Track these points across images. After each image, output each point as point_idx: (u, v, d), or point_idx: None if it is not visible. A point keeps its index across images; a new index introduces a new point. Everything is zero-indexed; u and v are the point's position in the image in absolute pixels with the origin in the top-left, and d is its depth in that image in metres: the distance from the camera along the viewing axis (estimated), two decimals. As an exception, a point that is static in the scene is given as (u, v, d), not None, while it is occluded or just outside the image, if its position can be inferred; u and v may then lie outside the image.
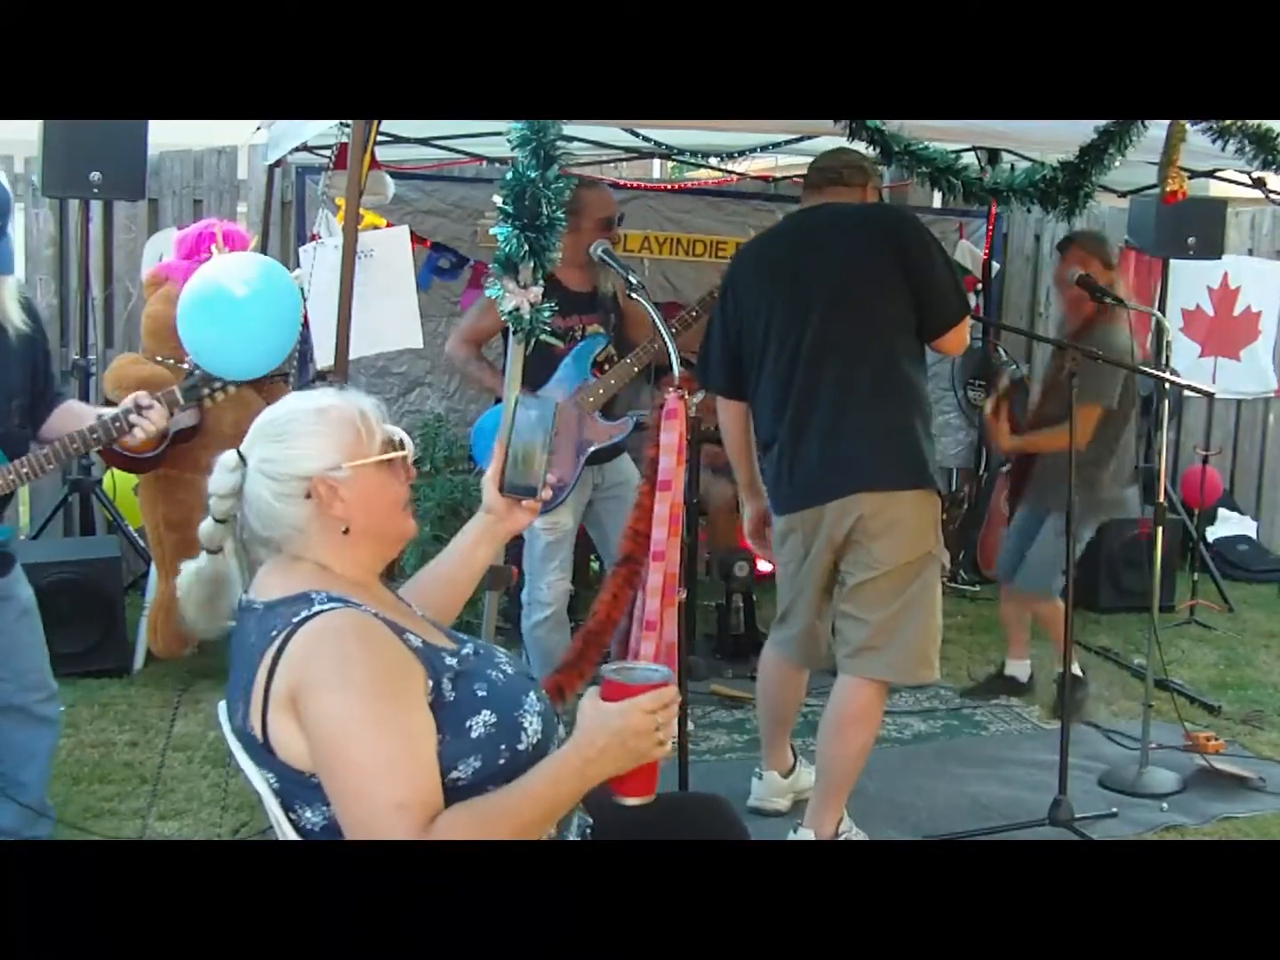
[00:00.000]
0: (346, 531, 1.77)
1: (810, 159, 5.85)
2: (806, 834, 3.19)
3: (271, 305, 2.98)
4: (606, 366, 4.08)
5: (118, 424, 2.68)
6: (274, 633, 1.66)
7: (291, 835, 1.71)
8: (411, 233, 5.51)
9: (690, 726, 3.83)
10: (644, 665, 1.83)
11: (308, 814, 1.68)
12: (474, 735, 1.69)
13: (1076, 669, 4.34)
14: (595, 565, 5.73)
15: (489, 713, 1.71)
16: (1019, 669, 4.57)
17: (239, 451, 1.79)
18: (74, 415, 2.81)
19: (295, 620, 1.66)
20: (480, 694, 1.72)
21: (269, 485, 1.76)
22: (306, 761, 1.64)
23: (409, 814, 1.58)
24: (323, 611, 1.66)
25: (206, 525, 1.82)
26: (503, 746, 1.70)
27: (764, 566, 4.85)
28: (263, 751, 1.68)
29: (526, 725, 1.74)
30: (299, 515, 1.76)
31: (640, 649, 2.53)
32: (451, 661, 1.75)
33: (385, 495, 1.83)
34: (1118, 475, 4.23)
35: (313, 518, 1.76)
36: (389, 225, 3.51)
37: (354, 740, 1.59)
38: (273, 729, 1.65)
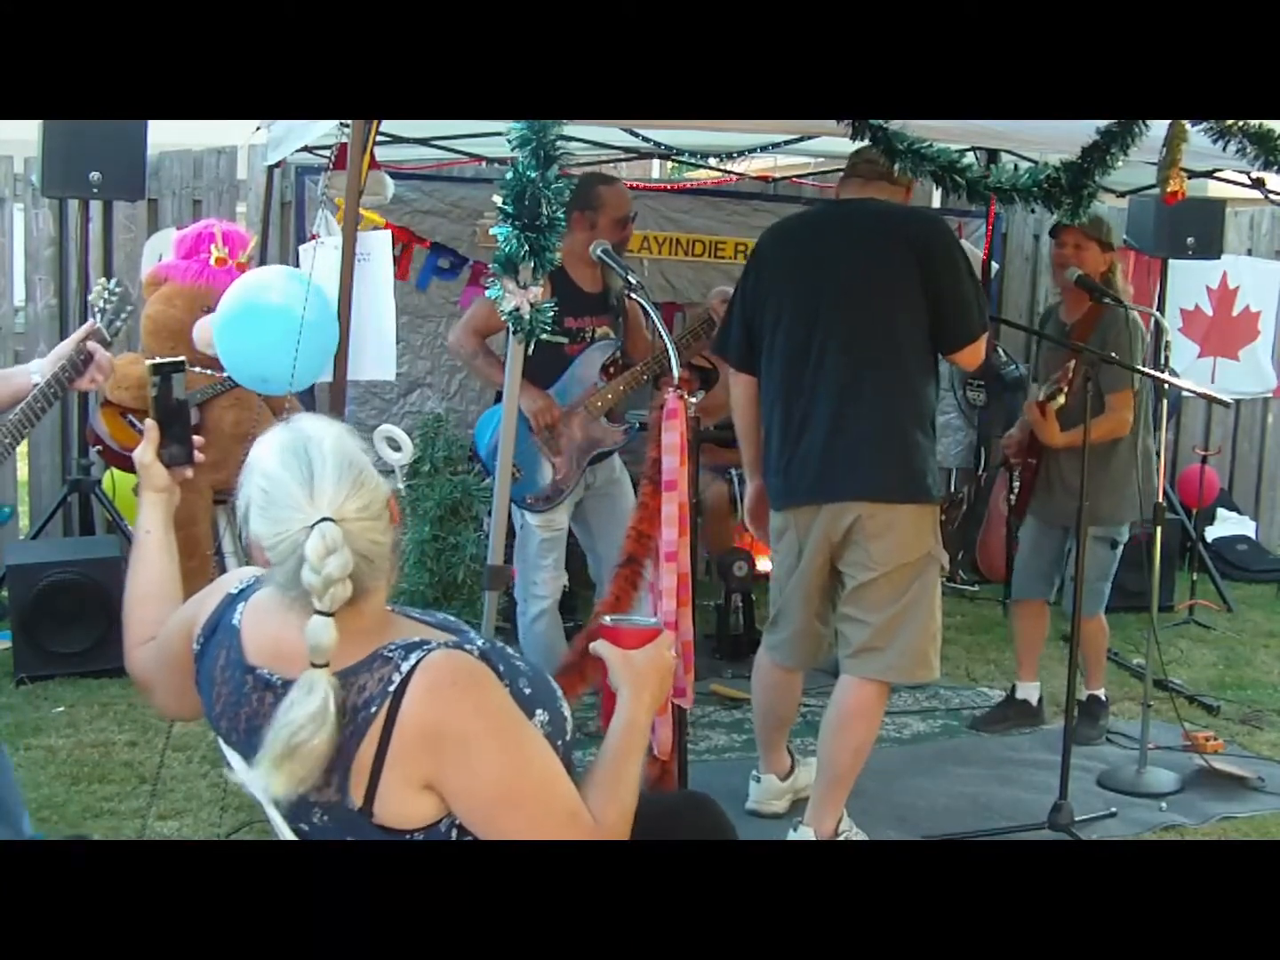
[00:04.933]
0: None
1: (809, 159, 5.86)
2: (806, 832, 3.19)
3: (328, 321, 2.98)
4: (613, 370, 4.08)
5: (74, 364, 2.61)
6: (373, 708, 1.57)
7: (288, 835, 1.71)
8: (411, 232, 5.57)
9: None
10: (635, 615, 2.13)
11: None
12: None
13: (1102, 692, 4.33)
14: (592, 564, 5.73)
15: (541, 710, 1.70)
16: (1030, 691, 4.38)
17: (333, 520, 1.57)
18: (2, 379, 2.71)
19: (392, 690, 1.57)
20: (527, 692, 1.70)
21: (376, 528, 1.63)
22: (420, 819, 1.60)
23: (579, 818, 1.63)
24: (414, 670, 1.58)
25: (321, 634, 1.55)
26: (559, 743, 1.70)
27: (763, 566, 4.86)
28: (355, 820, 1.60)
29: (567, 715, 1.76)
30: (390, 543, 1.67)
31: None
32: (501, 666, 1.70)
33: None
34: (1147, 462, 4.05)
35: (394, 540, 1.68)
36: (387, 225, 3.48)
37: (516, 779, 1.60)
38: (383, 798, 1.58)
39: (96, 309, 2.69)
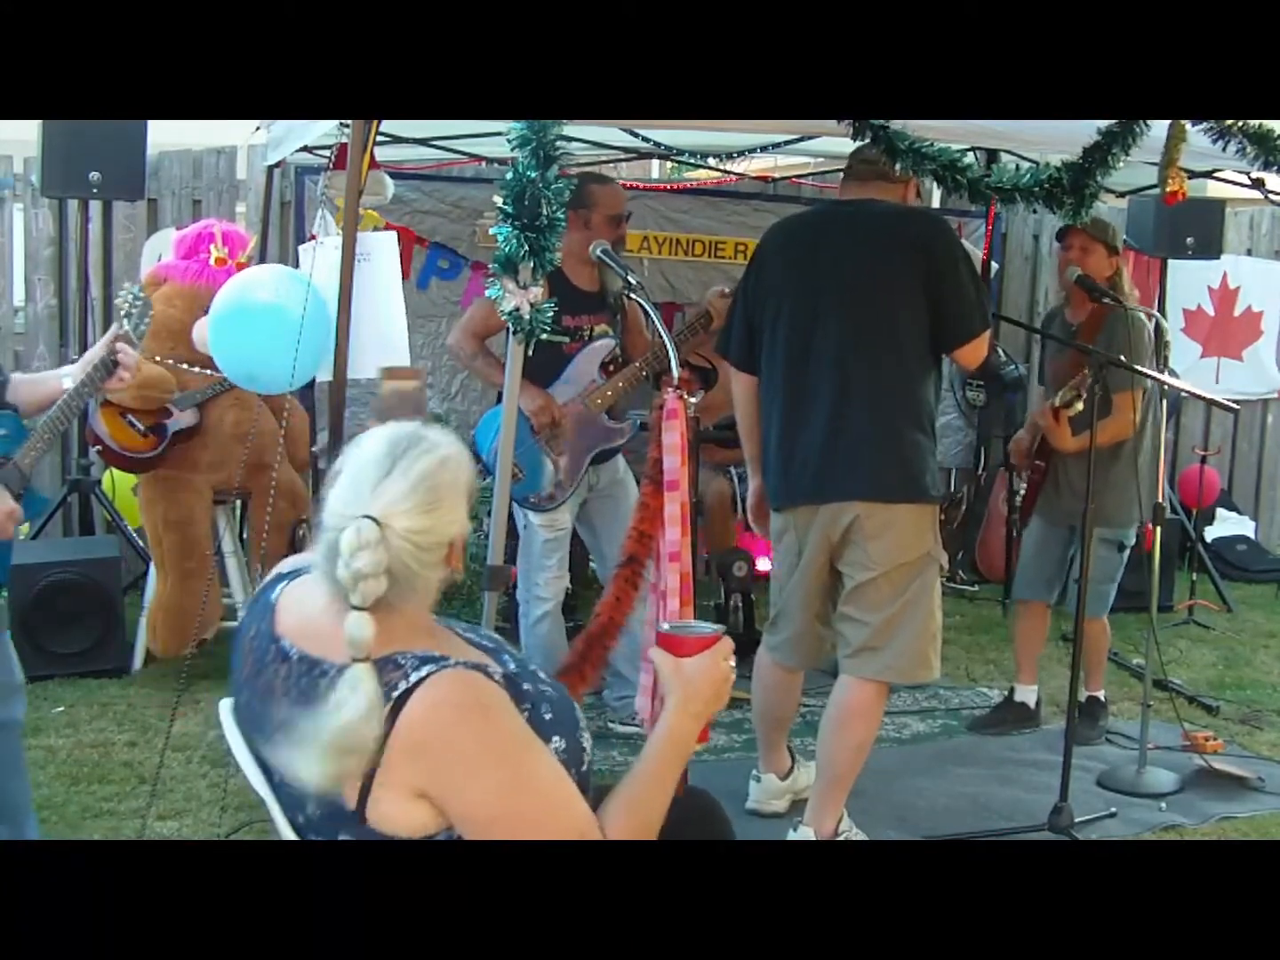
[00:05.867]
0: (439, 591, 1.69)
1: (809, 159, 5.85)
2: (806, 832, 3.19)
3: (320, 319, 2.99)
4: (612, 368, 4.08)
5: (105, 365, 2.73)
6: None
7: (289, 836, 1.70)
8: (411, 232, 5.57)
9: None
10: (694, 622, 1.97)
11: None
12: None
13: (1102, 693, 4.34)
14: (593, 565, 5.72)
15: (558, 738, 1.69)
16: (1028, 694, 4.37)
17: (374, 520, 1.57)
18: (35, 383, 2.81)
19: (396, 695, 1.56)
20: (548, 718, 1.69)
21: (418, 556, 1.61)
22: (413, 829, 1.59)
23: (587, 840, 1.61)
24: (423, 681, 1.57)
25: (357, 628, 1.55)
26: (573, 770, 1.68)
27: (762, 566, 4.85)
28: (345, 817, 1.59)
29: (586, 746, 1.75)
30: (437, 577, 1.67)
31: None
32: (528, 687, 1.70)
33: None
34: (1153, 464, 4.03)
35: (438, 580, 1.67)
36: (388, 225, 3.48)
37: (520, 802, 1.59)
38: (375, 801, 1.57)
39: (121, 313, 2.80)
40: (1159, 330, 4.14)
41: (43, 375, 2.84)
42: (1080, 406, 3.84)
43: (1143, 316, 4.03)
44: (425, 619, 1.71)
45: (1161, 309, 5.73)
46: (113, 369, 2.74)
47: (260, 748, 1.73)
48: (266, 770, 1.73)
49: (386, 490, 1.60)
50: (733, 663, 1.82)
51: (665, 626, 1.87)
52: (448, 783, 1.57)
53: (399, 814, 1.58)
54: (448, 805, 1.58)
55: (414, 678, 1.58)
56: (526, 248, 2.67)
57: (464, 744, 1.57)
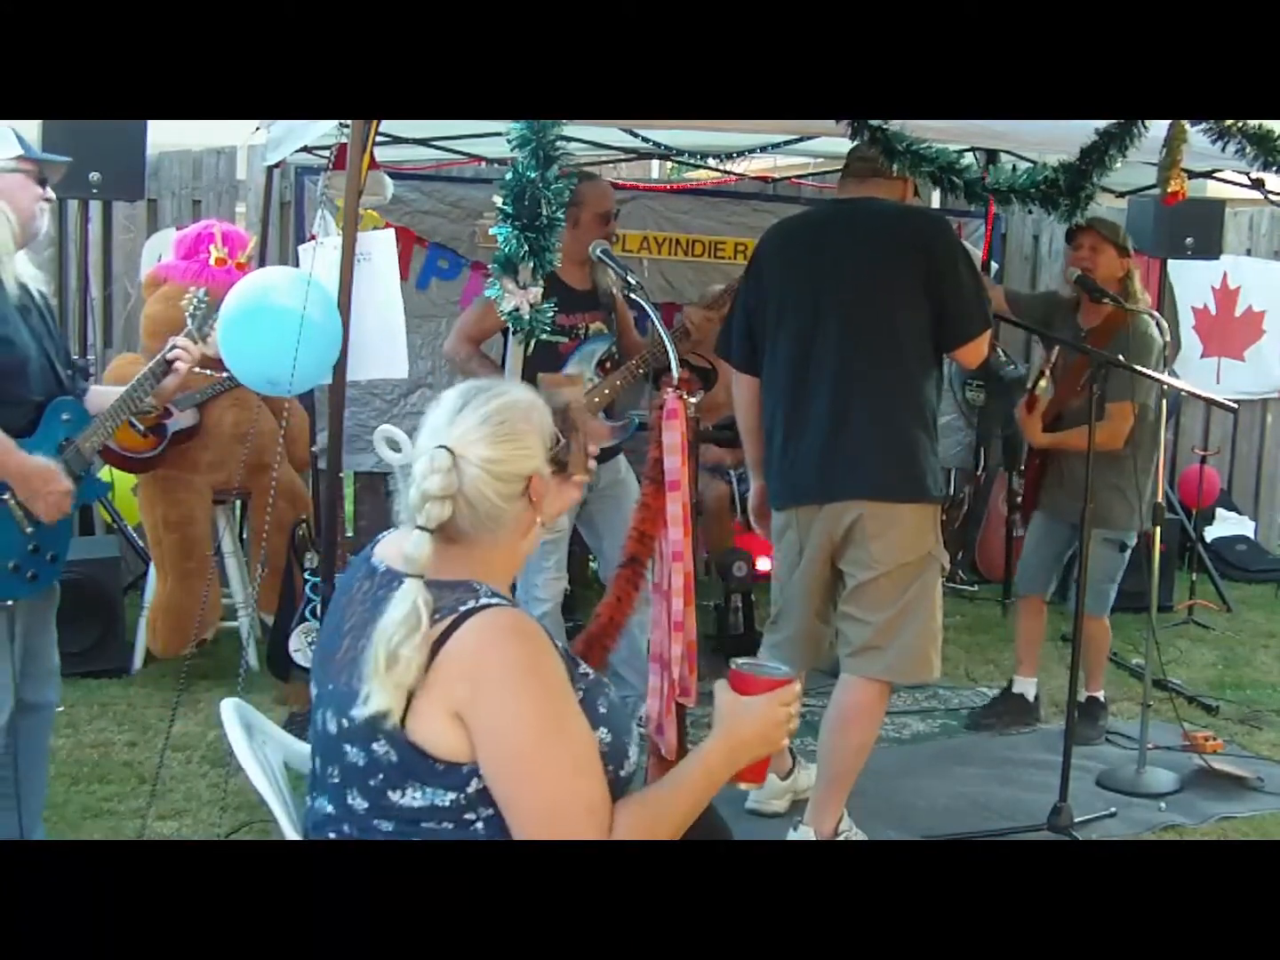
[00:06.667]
0: (525, 534, 1.78)
1: (809, 159, 5.85)
2: (806, 832, 3.19)
3: (336, 321, 3.02)
4: (609, 366, 4.08)
5: (161, 367, 2.86)
6: (437, 616, 1.62)
7: (292, 835, 1.71)
8: (411, 232, 5.57)
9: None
10: (769, 663, 1.94)
11: (412, 794, 1.63)
12: None
13: (1101, 694, 4.34)
14: (594, 565, 5.73)
15: (605, 730, 1.71)
16: (1027, 686, 4.39)
17: (449, 449, 1.68)
18: (110, 396, 2.90)
19: (463, 609, 1.63)
20: (601, 710, 1.72)
21: (495, 486, 1.71)
22: (446, 750, 1.61)
23: (597, 817, 1.62)
24: (491, 606, 1.64)
25: (415, 546, 1.64)
26: (610, 767, 1.70)
27: (763, 566, 4.85)
28: (384, 723, 1.62)
29: (630, 754, 1.76)
30: (514, 512, 1.74)
31: (672, 651, 2.51)
32: (585, 670, 1.74)
33: (559, 500, 1.83)
34: (1155, 472, 4.06)
35: (519, 515, 1.75)
36: (388, 225, 3.47)
37: (545, 746, 1.61)
38: (417, 710, 1.60)
39: (187, 314, 2.98)
40: (1159, 331, 4.14)
41: (117, 389, 2.95)
42: (1044, 383, 3.88)
43: (1156, 333, 4.03)
44: (509, 576, 1.81)
45: (1160, 309, 5.73)
46: (170, 365, 2.85)
47: (323, 669, 1.76)
48: (320, 698, 1.75)
49: (459, 424, 1.71)
50: (795, 709, 1.80)
51: (739, 663, 1.84)
52: (485, 704, 1.60)
53: (434, 731, 1.61)
54: (478, 730, 1.60)
55: (483, 602, 1.64)
56: (526, 248, 2.67)
57: (510, 669, 1.61)
